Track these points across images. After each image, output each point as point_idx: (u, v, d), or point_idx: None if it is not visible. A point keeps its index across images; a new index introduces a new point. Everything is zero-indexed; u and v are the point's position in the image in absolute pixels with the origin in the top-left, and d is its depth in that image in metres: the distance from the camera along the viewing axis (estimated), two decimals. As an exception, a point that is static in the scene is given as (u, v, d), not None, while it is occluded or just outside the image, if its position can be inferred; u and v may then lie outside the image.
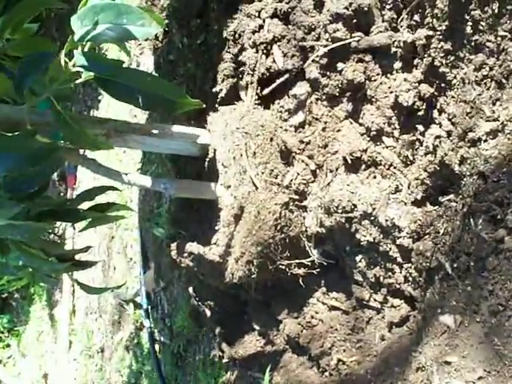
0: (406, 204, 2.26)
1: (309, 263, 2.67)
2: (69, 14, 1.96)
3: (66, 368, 6.19)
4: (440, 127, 2.10)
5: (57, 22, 5.17)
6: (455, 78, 2.04)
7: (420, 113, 2.19)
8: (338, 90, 2.44)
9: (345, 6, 2.32)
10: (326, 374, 2.69)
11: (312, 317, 2.75)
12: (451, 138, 2.05)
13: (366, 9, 2.30)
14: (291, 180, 2.58)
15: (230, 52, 2.85)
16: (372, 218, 2.37)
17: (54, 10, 5.06)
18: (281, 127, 2.63)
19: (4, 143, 1.82)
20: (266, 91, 2.71)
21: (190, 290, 3.60)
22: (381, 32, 2.28)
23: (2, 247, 2.27)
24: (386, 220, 2.31)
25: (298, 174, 2.56)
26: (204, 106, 2.05)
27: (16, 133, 1.99)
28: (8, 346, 7.92)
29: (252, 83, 2.76)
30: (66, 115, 2.01)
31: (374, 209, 2.34)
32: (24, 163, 1.83)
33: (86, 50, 1.94)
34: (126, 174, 2.71)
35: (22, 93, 1.89)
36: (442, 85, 2.09)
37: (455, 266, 2.01)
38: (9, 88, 1.95)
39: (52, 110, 2.04)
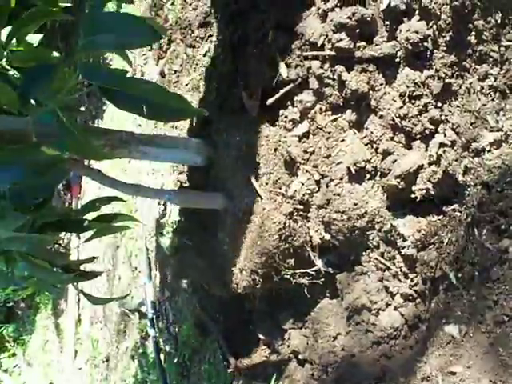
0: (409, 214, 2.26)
1: (313, 273, 2.67)
2: (72, 24, 1.97)
3: (71, 377, 6.19)
4: (444, 137, 2.10)
5: (61, 32, 5.18)
6: (460, 87, 2.03)
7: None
8: (341, 99, 2.44)
9: (348, 15, 2.32)
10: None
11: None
12: (455, 148, 2.05)
13: (368, 19, 2.30)
14: (295, 190, 2.58)
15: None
16: (376, 228, 2.37)
17: (58, 21, 5.07)
18: (285, 137, 2.63)
19: (9, 155, 1.83)
20: (269, 101, 2.71)
21: (195, 299, 3.60)
22: (384, 42, 2.29)
23: (8, 258, 2.28)
24: (391, 229, 2.31)
25: (303, 184, 2.56)
26: (207, 114, 2.05)
27: (21, 144, 2.00)
28: (14, 354, 7.93)
29: (256, 93, 2.76)
30: (70, 126, 2.01)
31: (378, 218, 2.34)
32: (29, 175, 1.84)
33: (89, 60, 1.95)
34: (131, 185, 2.72)
35: (26, 104, 1.90)
36: (447, 95, 2.09)
37: (460, 276, 2.00)
38: (13, 99, 1.96)
39: (57, 120, 2.04)
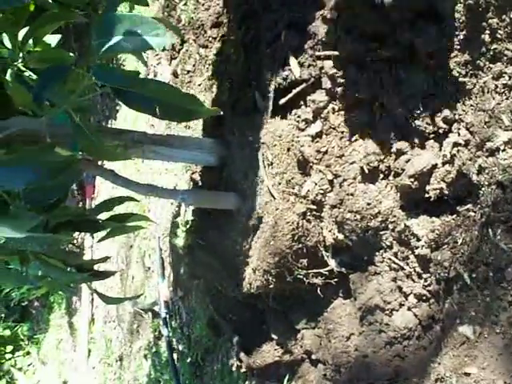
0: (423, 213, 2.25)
1: (327, 273, 2.67)
2: (87, 25, 1.98)
3: (84, 376, 6.22)
4: (458, 136, 2.09)
5: (75, 33, 5.21)
6: (474, 86, 2.02)
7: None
8: (354, 99, 2.44)
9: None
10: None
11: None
12: (469, 148, 2.04)
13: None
14: (308, 190, 2.58)
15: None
16: (390, 228, 2.37)
17: (73, 22, 5.10)
18: (298, 137, 2.63)
19: (24, 156, 1.84)
20: (282, 101, 2.71)
21: (208, 299, 3.60)
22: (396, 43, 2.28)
23: (22, 258, 2.29)
24: (404, 229, 2.30)
25: (316, 183, 2.56)
26: (221, 113, 2.06)
27: (35, 145, 2.01)
28: (28, 353, 7.98)
29: (269, 93, 2.77)
30: (84, 127, 2.03)
31: (391, 218, 2.34)
32: (43, 176, 1.84)
33: (103, 61, 1.95)
34: (145, 185, 2.73)
35: (41, 105, 1.91)
36: (460, 94, 2.08)
37: (474, 276, 1.99)
38: (28, 100, 1.97)
39: (70, 121, 2.05)
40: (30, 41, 2.11)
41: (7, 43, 2.07)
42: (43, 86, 1.89)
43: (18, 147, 1.95)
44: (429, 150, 2.21)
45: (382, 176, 2.40)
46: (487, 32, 1.92)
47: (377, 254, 2.48)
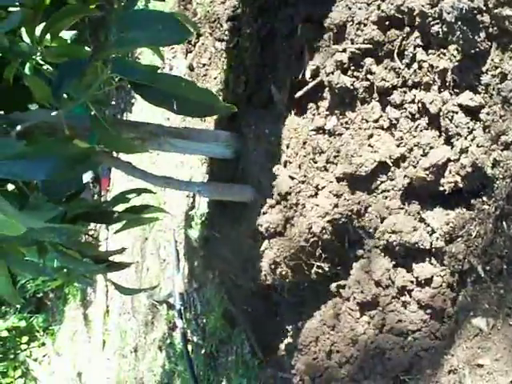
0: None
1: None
2: (103, 18, 2.00)
3: (99, 367, 6.25)
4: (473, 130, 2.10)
5: (91, 27, 5.22)
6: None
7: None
8: (369, 93, 2.44)
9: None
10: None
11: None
12: (484, 141, 2.04)
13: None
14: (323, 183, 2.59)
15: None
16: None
17: (89, 16, 5.11)
18: (313, 130, 2.63)
19: (43, 148, 1.87)
20: (298, 94, 2.72)
21: (223, 291, 3.62)
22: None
23: (40, 249, 2.32)
24: (420, 222, 2.31)
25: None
26: (236, 109, 2.07)
27: (53, 137, 2.04)
28: (43, 344, 8.03)
29: (285, 86, 2.77)
30: (101, 120, 2.05)
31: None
32: (62, 167, 1.87)
33: (120, 55, 1.98)
34: (161, 177, 2.75)
35: (59, 98, 1.93)
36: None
37: (488, 268, 2.00)
38: (47, 93, 2.00)
39: (88, 114, 2.08)
40: (48, 36, 2.14)
41: (25, 38, 2.10)
42: (61, 79, 1.92)
43: (38, 139, 1.98)
44: (444, 143, 2.22)
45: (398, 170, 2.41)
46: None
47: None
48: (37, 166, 1.81)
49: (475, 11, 1.92)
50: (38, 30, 2.05)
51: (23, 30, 2.10)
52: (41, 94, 2.11)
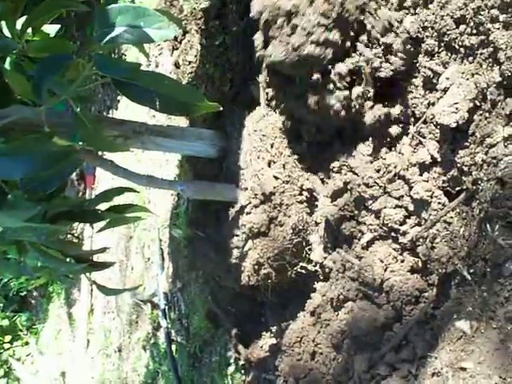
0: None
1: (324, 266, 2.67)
2: (89, 13, 1.97)
3: (83, 366, 6.23)
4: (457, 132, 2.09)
5: (77, 21, 5.18)
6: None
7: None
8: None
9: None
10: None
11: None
12: (469, 143, 2.03)
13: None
14: (308, 183, 2.58)
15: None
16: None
17: (74, 10, 5.08)
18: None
19: (22, 145, 1.84)
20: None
21: (207, 291, 3.60)
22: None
23: (20, 248, 2.29)
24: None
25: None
26: (221, 108, 2.04)
27: (33, 134, 2.00)
28: (27, 343, 7.98)
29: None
30: (83, 117, 2.02)
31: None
32: (42, 165, 1.84)
33: (104, 51, 1.95)
34: (145, 176, 2.72)
35: (40, 94, 1.90)
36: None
37: (472, 271, 1.99)
38: (27, 89, 1.96)
39: (70, 111, 2.05)
40: (29, 30, 2.10)
41: (6, 31, 2.06)
42: (42, 75, 1.89)
43: (17, 136, 1.95)
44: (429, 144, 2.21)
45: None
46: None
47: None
48: (15, 163, 1.79)
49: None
50: (20, 23, 2.02)
51: (3, 23, 2.06)
52: (21, 89, 2.07)
